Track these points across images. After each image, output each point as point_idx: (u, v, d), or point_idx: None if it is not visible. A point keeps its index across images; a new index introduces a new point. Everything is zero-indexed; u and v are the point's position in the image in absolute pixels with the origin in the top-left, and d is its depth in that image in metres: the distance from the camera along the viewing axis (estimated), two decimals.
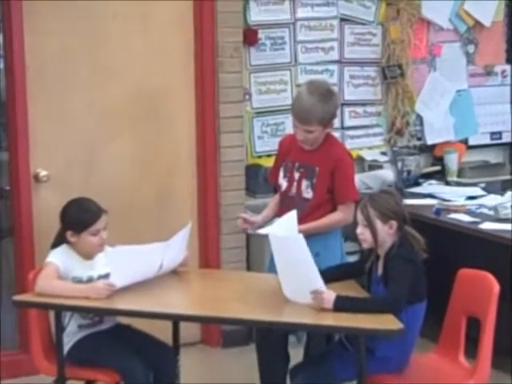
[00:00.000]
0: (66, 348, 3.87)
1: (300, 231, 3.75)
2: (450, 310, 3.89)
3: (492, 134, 6.26)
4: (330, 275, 3.74)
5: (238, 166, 5.33)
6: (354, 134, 5.85)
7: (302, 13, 5.59)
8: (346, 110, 5.81)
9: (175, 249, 4.02)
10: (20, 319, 4.85)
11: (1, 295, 4.87)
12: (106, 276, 3.83)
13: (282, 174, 4.27)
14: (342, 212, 4.15)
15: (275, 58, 5.55)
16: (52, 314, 3.89)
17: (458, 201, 5.30)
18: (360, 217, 3.73)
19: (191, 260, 4.39)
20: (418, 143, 6.03)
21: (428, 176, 5.93)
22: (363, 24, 5.78)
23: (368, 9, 5.77)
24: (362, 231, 3.72)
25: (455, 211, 5.08)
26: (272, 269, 4.05)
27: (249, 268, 5.36)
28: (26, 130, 4.80)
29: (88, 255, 3.96)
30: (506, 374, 4.59)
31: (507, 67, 6.24)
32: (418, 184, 5.78)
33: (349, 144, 5.59)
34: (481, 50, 6.15)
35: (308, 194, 4.16)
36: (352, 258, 4.50)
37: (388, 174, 5.60)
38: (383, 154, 5.85)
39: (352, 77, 5.81)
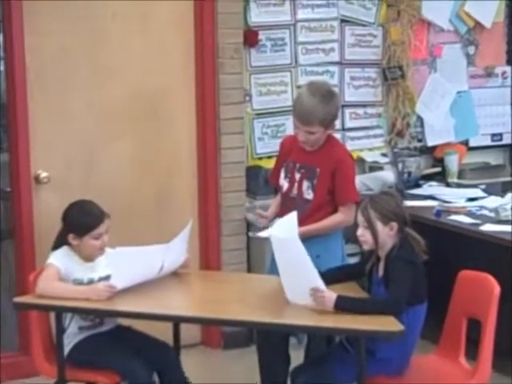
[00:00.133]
0: (67, 350, 3.87)
1: (301, 233, 3.74)
2: (450, 311, 3.89)
3: (492, 135, 6.26)
4: (330, 277, 3.74)
5: (238, 168, 5.33)
6: (355, 135, 5.85)
7: (302, 14, 5.58)
8: (347, 111, 5.80)
9: (176, 250, 4.02)
10: (20, 321, 4.85)
11: (1, 297, 4.87)
12: (107, 278, 3.83)
13: (282, 174, 4.27)
14: (342, 213, 4.14)
15: (276, 59, 5.55)
16: (52, 315, 3.89)
17: (458, 202, 5.29)
18: (360, 218, 3.73)
19: (192, 262, 4.38)
20: (418, 145, 6.03)
21: (428, 177, 5.92)
22: (364, 25, 5.78)
23: (368, 10, 5.77)
24: (363, 233, 3.72)
25: (456, 213, 5.07)
26: (272, 270, 4.05)
27: (249, 270, 5.36)
28: (27, 131, 4.80)
29: (88, 258, 3.96)
30: (506, 375, 4.59)
31: (508, 68, 6.24)
32: (418, 185, 5.78)
33: (349, 145, 5.58)
34: (481, 51, 6.14)
35: (309, 195, 4.16)
36: (353, 260, 4.49)
37: (388, 175, 5.60)
38: (384, 155, 5.86)
39: (352, 78, 5.81)
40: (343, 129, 5.79)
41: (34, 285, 3.82)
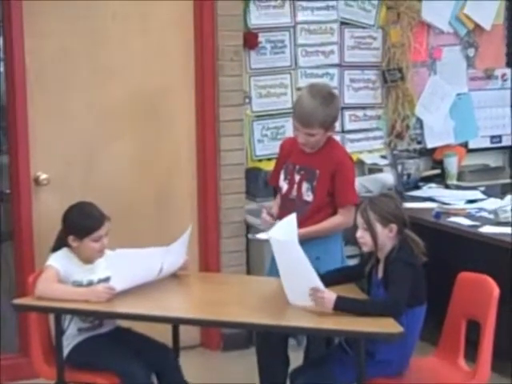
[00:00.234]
0: (66, 351, 3.87)
1: (300, 235, 3.75)
2: (449, 313, 3.89)
3: (492, 137, 6.26)
4: (330, 279, 3.74)
5: (238, 170, 5.33)
6: (354, 137, 5.85)
7: (302, 16, 5.59)
8: (346, 113, 5.80)
9: (175, 252, 4.02)
10: (20, 323, 4.84)
11: (1, 299, 4.87)
12: (107, 280, 3.84)
13: (282, 176, 4.27)
14: (342, 215, 4.14)
15: (275, 61, 5.55)
16: (52, 317, 3.89)
17: (457, 204, 5.29)
18: (360, 220, 3.74)
19: (191, 263, 4.38)
20: (417, 147, 6.02)
21: (428, 179, 5.92)
22: (363, 27, 5.78)
23: (368, 12, 5.78)
24: (362, 234, 3.72)
25: (455, 215, 5.07)
26: (272, 272, 4.05)
27: (249, 272, 5.35)
28: (26, 132, 4.80)
29: (88, 260, 3.96)
30: (505, 377, 4.59)
31: (507, 71, 6.23)
32: (417, 187, 5.77)
33: (349, 147, 5.57)
34: (481, 53, 6.14)
35: (308, 196, 4.16)
36: (352, 262, 4.50)
37: (388, 177, 5.60)
38: (383, 157, 5.85)
39: (352, 80, 5.81)
40: (343, 131, 5.78)
41: (33, 286, 3.82)
